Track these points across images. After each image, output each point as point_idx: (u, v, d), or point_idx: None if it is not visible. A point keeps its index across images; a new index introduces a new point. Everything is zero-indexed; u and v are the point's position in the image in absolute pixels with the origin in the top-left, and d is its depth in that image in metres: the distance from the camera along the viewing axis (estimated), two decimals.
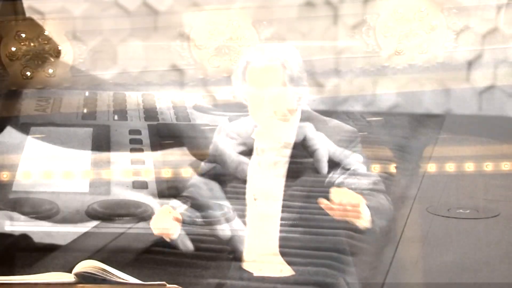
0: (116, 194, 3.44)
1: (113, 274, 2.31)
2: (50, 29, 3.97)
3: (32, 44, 3.96)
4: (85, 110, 3.88)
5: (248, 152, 2.72)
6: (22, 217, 3.26)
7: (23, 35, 3.95)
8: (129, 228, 3.26)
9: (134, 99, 3.96)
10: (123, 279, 2.32)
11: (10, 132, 3.67)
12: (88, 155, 3.57)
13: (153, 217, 2.62)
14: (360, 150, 2.69)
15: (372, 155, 3.38)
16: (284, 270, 2.65)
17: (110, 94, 3.99)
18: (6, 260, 3.07)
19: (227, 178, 2.75)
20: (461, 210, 3.47)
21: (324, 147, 2.68)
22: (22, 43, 3.96)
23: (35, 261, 3.04)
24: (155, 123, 3.83)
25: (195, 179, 2.79)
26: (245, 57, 2.71)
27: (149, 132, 3.76)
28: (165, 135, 3.76)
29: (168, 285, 2.30)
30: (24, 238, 3.20)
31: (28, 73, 3.95)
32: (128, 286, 2.31)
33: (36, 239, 3.21)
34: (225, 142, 2.76)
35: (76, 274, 2.32)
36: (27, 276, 2.34)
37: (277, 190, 2.66)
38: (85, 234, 3.22)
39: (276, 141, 2.70)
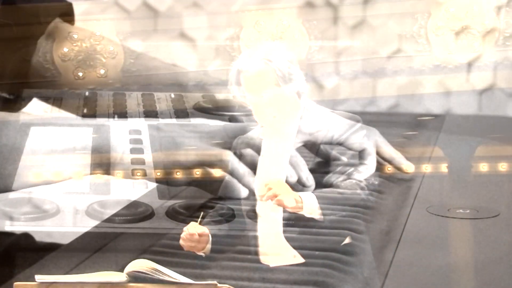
0: (116, 194, 3.44)
1: (164, 274, 2.34)
2: (103, 30, 3.98)
3: (84, 45, 3.97)
4: (85, 110, 3.88)
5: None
6: (22, 217, 3.26)
7: (75, 36, 3.96)
8: (129, 228, 3.26)
9: (134, 99, 3.96)
10: (175, 279, 2.34)
11: (10, 132, 3.66)
12: (88, 155, 3.57)
13: (182, 235, 2.69)
14: (363, 135, 2.76)
15: (423, 155, 3.40)
16: (297, 256, 2.69)
17: (110, 94, 3.99)
18: (6, 260, 3.07)
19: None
20: (461, 210, 3.47)
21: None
22: (74, 44, 3.97)
23: (35, 261, 3.04)
24: (155, 123, 3.83)
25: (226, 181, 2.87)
26: (235, 65, 2.78)
27: (149, 132, 3.76)
28: (165, 135, 3.75)
29: (219, 285, 2.33)
30: (25, 238, 3.20)
31: (80, 74, 3.97)
32: (179, 286, 2.33)
33: (36, 239, 3.21)
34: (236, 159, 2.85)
35: (128, 274, 2.33)
36: (78, 275, 2.36)
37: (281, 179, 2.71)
38: (85, 234, 3.22)
39: (281, 136, 2.76)
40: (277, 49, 2.78)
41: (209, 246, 2.73)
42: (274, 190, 2.59)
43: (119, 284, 2.32)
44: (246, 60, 2.73)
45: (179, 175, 3.46)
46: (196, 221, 2.72)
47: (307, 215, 2.63)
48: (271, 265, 2.71)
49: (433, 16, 4.04)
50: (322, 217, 2.63)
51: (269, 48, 2.80)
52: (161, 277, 2.33)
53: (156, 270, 2.34)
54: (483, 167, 3.48)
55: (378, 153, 2.74)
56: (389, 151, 2.79)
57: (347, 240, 2.70)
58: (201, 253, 2.74)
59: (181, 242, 2.71)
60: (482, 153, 3.63)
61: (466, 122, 3.91)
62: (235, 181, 2.87)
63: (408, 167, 3.05)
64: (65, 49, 3.97)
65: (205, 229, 2.71)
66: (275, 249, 2.70)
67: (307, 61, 3.99)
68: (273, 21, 4.03)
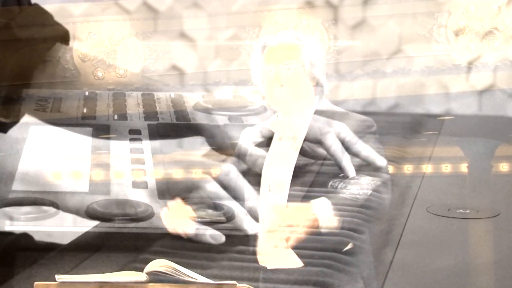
0: (116, 194, 3.44)
1: (184, 274, 2.34)
2: (122, 30, 3.97)
3: (104, 45, 3.96)
4: (85, 110, 3.88)
5: (266, 144, 2.75)
6: (22, 216, 3.26)
7: (95, 36, 3.95)
8: (129, 228, 3.26)
9: (134, 99, 3.96)
10: (194, 279, 2.35)
11: (9, 132, 3.67)
12: (88, 155, 3.57)
13: (165, 214, 2.63)
14: (374, 140, 2.72)
15: (443, 155, 3.38)
16: (296, 260, 2.66)
17: (110, 94, 3.99)
18: (6, 260, 3.07)
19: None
20: (461, 210, 3.47)
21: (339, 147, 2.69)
22: (94, 45, 3.96)
23: (35, 261, 3.04)
24: (155, 123, 3.83)
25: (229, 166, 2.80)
26: (262, 40, 2.72)
27: (149, 132, 3.76)
28: (165, 135, 3.75)
29: (238, 285, 2.33)
30: (24, 238, 3.20)
31: (100, 74, 3.96)
32: (199, 285, 2.34)
33: (36, 239, 3.21)
34: (246, 140, 2.78)
35: (148, 273, 2.34)
36: (97, 275, 2.37)
37: (287, 181, 2.67)
38: (85, 234, 3.22)
39: (292, 129, 2.72)
40: (311, 37, 2.73)
41: (194, 228, 2.66)
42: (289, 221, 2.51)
43: (139, 283, 2.33)
44: (275, 36, 2.69)
45: (178, 175, 3.46)
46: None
47: (325, 230, 2.57)
48: (269, 267, 2.69)
49: (453, 16, 4.01)
50: (339, 224, 2.56)
51: (303, 34, 2.75)
52: (180, 277, 2.34)
53: (176, 270, 2.34)
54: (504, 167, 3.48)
55: (348, 150, 2.70)
56: (359, 146, 2.74)
57: (349, 246, 2.68)
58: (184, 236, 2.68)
59: (164, 221, 2.63)
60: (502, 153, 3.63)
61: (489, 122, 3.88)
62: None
63: (381, 161, 3.00)
64: (85, 50, 3.96)
65: (190, 211, 2.65)
66: (275, 251, 2.67)
67: (326, 61, 3.98)
68: (293, 21, 4.02)
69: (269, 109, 3.41)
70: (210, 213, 3.05)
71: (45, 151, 3.58)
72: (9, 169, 3.44)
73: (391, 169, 3.36)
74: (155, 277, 2.35)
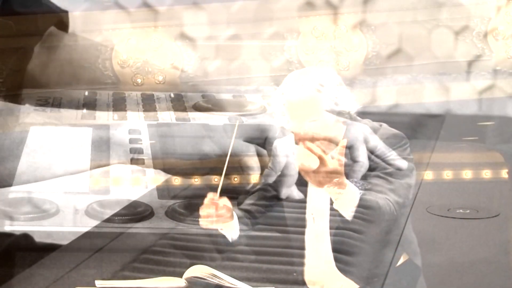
0: (116, 194, 3.44)
1: (223, 279, 2.33)
2: (160, 36, 3.96)
3: (142, 51, 3.95)
4: (84, 110, 3.88)
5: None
6: (22, 216, 3.26)
7: (134, 43, 3.94)
8: (129, 228, 3.26)
9: (133, 99, 3.96)
10: (233, 284, 2.34)
11: (10, 132, 3.67)
12: (87, 155, 3.57)
13: (201, 209, 2.55)
14: (407, 154, 2.68)
15: (483, 160, 3.37)
16: (344, 285, 2.64)
17: (110, 94, 3.99)
18: (6, 260, 3.07)
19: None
20: (461, 210, 3.48)
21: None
22: (133, 51, 3.95)
23: (35, 261, 3.04)
24: (155, 123, 3.82)
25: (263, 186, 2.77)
26: (280, 89, 2.64)
27: (149, 132, 3.76)
28: (164, 135, 3.76)
29: None
30: (24, 238, 3.20)
31: (139, 80, 3.95)
32: None
33: (36, 239, 3.21)
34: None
35: (187, 279, 2.33)
36: (136, 281, 2.36)
37: (327, 206, 2.64)
38: (85, 234, 3.22)
39: None
40: (325, 75, 2.60)
41: (234, 224, 2.58)
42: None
43: None
44: (292, 85, 2.59)
45: (177, 182, 3.48)
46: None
47: (339, 205, 2.48)
48: None
49: (493, 21, 3.98)
50: (350, 218, 2.50)
51: (317, 75, 2.62)
52: (219, 283, 2.33)
53: (215, 275, 2.33)
54: None
55: (368, 149, 2.69)
56: (380, 146, 2.74)
57: (402, 260, 2.69)
58: (223, 230, 2.62)
59: (202, 219, 2.56)
60: None
61: None
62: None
63: (401, 163, 2.99)
64: (124, 56, 3.95)
65: (226, 202, 2.56)
66: (324, 277, 2.63)
67: (364, 66, 3.95)
68: (331, 27, 3.98)
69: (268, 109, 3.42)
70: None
71: (45, 151, 3.58)
72: (9, 169, 3.44)
73: (431, 174, 3.37)
74: (194, 283, 2.34)
